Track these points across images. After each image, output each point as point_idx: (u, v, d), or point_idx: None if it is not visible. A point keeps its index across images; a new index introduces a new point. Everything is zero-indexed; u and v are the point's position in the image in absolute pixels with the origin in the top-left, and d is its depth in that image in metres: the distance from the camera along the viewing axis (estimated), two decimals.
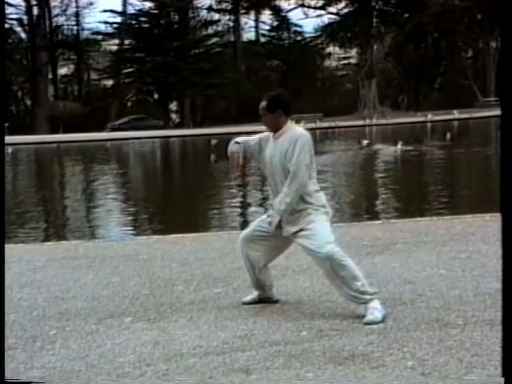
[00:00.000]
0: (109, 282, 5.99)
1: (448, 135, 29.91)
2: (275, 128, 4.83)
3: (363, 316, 4.53)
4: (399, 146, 25.24)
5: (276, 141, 4.82)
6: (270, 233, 4.85)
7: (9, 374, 3.78)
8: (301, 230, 4.69)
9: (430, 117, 52.18)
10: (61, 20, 78.01)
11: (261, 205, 13.81)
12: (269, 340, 4.24)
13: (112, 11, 78.11)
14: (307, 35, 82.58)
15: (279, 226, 4.78)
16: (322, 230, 4.65)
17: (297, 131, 4.80)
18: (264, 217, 4.98)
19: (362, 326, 4.41)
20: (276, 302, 5.08)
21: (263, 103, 4.85)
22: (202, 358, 3.97)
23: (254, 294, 5.11)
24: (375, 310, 4.54)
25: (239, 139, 5.00)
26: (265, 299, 5.07)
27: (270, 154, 4.83)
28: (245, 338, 4.29)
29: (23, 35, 77.00)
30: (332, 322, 4.54)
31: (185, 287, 5.66)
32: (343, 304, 4.85)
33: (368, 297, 4.59)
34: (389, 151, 25.36)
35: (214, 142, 32.84)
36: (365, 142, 28.78)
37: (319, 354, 3.93)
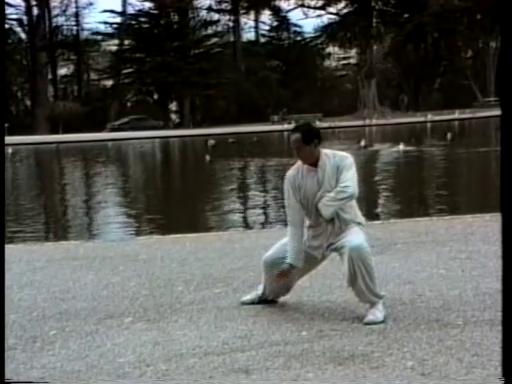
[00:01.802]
0: (109, 282, 5.99)
1: (449, 135, 29.89)
2: (313, 160, 4.68)
3: (363, 316, 4.54)
4: (401, 147, 25.20)
5: (318, 168, 4.67)
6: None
7: (9, 375, 3.78)
8: (336, 238, 4.70)
9: (429, 117, 52.23)
10: (60, 20, 78.25)
11: (263, 208, 13.81)
12: (269, 340, 4.24)
13: (112, 11, 78.36)
14: (307, 35, 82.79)
15: (313, 251, 4.77)
16: (357, 232, 4.68)
17: (338, 154, 4.73)
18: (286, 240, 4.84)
19: (361, 327, 4.41)
20: (275, 302, 5.09)
21: (297, 135, 4.68)
22: (202, 359, 3.97)
23: (253, 295, 5.12)
24: (377, 310, 4.56)
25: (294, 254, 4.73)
26: (265, 301, 5.07)
27: (312, 189, 4.67)
28: (245, 339, 4.29)
29: (23, 35, 77.18)
30: (332, 322, 4.54)
31: (185, 287, 5.66)
32: (343, 304, 4.85)
33: (377, 299, 4.61)
34: (388, 152, 25.36)
35: (211, 142, 32.88)
36: (363, 142, 28.61)
37: (319, 355, 3.93)
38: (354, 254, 4.54)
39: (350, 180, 4.59)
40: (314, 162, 4.69)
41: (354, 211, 4.77)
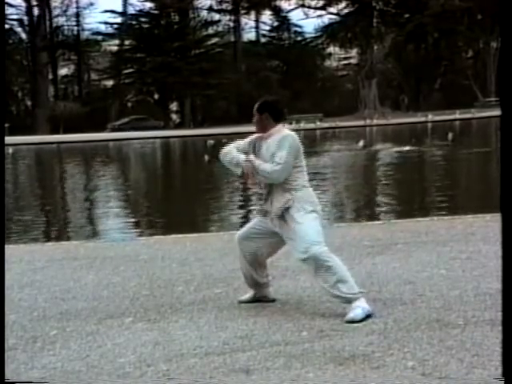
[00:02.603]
0: (109, 282, 5.99)
1: (450, 135, 29.85)
2: (262, 129, 4.93)
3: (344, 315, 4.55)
4: (405, 147, 25.13)
5: (265, 141, 4.90)
6: (266, 230, 4.90)
7: (9, 375, 3.78)
8: (288, 231, 4.73)
9: (430, 117, 52.20)
10: (61, 20, 78.21)
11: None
12: (269, 340, 4.24)
13: (112, 12, 78.31)
14: (307, 35, 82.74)
15: (274, 221, 4.81)
16: (306, 231, 4.65)
17: (283, 132, 4.87)
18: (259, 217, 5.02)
19: (362, 327, 4.40)
20: (273, 300, 5.10)
21: (256, 105, 4.99)
22: (203, 359, 3.97)
23: (250, 293, 5.13)
24: (357, 308, 4.55)
25: (233, 147, 5.03)
26: (261, 298, 5.09)
27: (263, 155, 4.89)
28: (245, 339, 4.29)
29: (24, 36, 77.20)
30: (333, 322, 4.54)
31: (185, 288, 5.66)
32: (344, 304, 4.84)
33: (352, 297, 4.60)
34: (389, 152, 25.31)
35: (210, 142, 32.91)
36: (361, 142, 28.34)
37: (320, 355, 3.93)
38: (312, 264, 4.63)
39: (279, 159, 4.69)
40: (264, 133, 4.91)
41: (297, 193, 4.75)
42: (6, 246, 6.67)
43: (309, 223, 4.68)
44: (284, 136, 4.82)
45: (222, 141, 36.01)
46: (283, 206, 4.72)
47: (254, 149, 4.95)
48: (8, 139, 37.62)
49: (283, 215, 4.73)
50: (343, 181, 18.75)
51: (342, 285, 4.60)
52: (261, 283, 5.07)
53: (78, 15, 78.25)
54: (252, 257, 4.98)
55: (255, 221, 5.07)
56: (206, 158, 24.53)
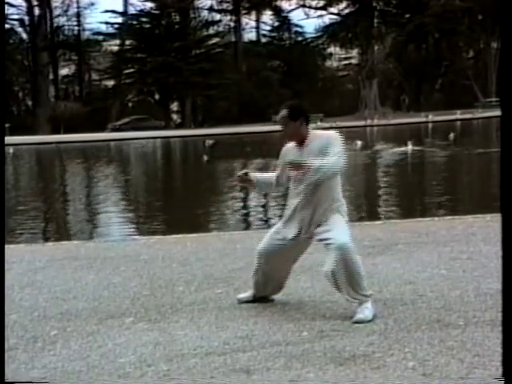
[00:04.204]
0: (110, 282, 5.99)
1: (451, 135, 29.83)
2: (297, 136, 4.71)
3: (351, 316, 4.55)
4: (410, 147, 25.07)
5: (304, 148, 4.70)
6: (287, 243, 4.82)
7: (10, 375, 3.79)
8: (319, 225, 4.68)
9: (431, 117, 52.18)
10: (62, 20, 78.26)
11: (263, 206, 13.81)
12: (270, 340, 4.24)
13: (113, 12, 78.41)
14: (308, 36, 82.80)
15: (298, 233, 4.76)
16: (339, 225, 4.66)
17: (325, 133, 4.75)
18: (279, 227, 4.91)
19: (363, 327, 4.41)
20: (273, 301, 5.10)
21: (284, 111, 4.71)
22: (203, 359, 3.97)
23: (249, 293, 5.13)
24: (366, 309, 4.57)
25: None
26: (260, 299, 5.08)
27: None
28: (246, 339, 4.29)
29: (24, 36, 77.25)
30: (333, 322, 4.54)
31: (186, 288, 5.66)
32: (344, 305, 4.84)
33: (364, 298, 4.62)
34: (389, 153, 25.27)
35: (209, 142, 32.91)
36: (359, 143, 27.99)
37: (320, 355, 3.93)
38: (341, 254, 4.53)
39: (334, 155, 4.56)
40: (300, 141, 4.71)
41: (336, 196, 4.74)
42: (6, 246, 6.68)
43: (340, 220, 4.70)
44: (331, 135, 4.68)
45: (225, 141, 36.03)
46: (331, 210, 4.68)
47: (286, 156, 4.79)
48: (9, 139, 37.67)
49: (326, 219, 4.68)
50: (343, 181, 18.73)
51: (358, 286, 4.61)
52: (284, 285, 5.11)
53: (78, 15, 78.35)
54: (275, 274, 4.99)
55: (273, 236, 4.91)
56: (205, 158, 24.52)
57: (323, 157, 4.56)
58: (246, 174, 5.05)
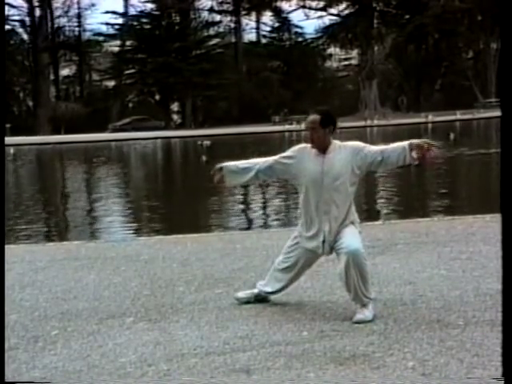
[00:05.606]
0: (110, 282, 6.00)
1: (451, 136, 29.83)
2: (321, 143, 4.68)
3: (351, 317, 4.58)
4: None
5: (326, 156, 4.67)
6: (302, 256, 4.88)
7: (10, 374, 3.80)
8: (336, 240, 4.73)
9: (430, 118, 52.18)
10: (63, 21, 78.21)
11: (264, 207, 13.81)
12: (270, 340, 4.24)
13: (113, 12, 78.41)
14: (308, 36, 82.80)
15: (319, 248, 4.79)
16: (352, 233, 4.71)
17: (349, 143, 4.76)
18: (293, 241, 4.94)
19: (363, 327, 4.42)
20: (269, 301, 5.11)
21: (316, 116, 4.66)
22: (203, 359, 3.98)
23: (248, 293, 5.14)
24: (366, 310, 4.62)
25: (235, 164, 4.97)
26: (260, 299, 5.09)
27: (313, 174, 4.66)
28: (246, 339, 4.30)
29: (25, 36, 77.22)
30: (333, 322, 4.55)
31: (186, 288, 5.67)
32: (344, 305, 4.86)
33: (368, 300, 4.67)
34: None
35: (206, 143, 32.98)
36: None
37: (320, 355, 3.94)
38: (351, 258, 4.59)
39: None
40: (322, 149, 4.68)
41: (351, 209, 4.78)
42: (6, 246, 6.69)
43: (355, 228, 4.76)
44: (357, 143, 4.76)
45: (225, 141, 35.97)
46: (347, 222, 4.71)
47: (300, 162, 4.75)
48: (9, 140, 37.69)
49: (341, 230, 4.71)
50: None
51: (365, 288, 4.65)
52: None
53: (79, 16, 78.32)
54: (288, 281, 5.04)
55: (288, 250, 4.96)
56: (204, 158, 24.54)
57: (358, 161, 4.62)
58: (220, 169, 4.95)
